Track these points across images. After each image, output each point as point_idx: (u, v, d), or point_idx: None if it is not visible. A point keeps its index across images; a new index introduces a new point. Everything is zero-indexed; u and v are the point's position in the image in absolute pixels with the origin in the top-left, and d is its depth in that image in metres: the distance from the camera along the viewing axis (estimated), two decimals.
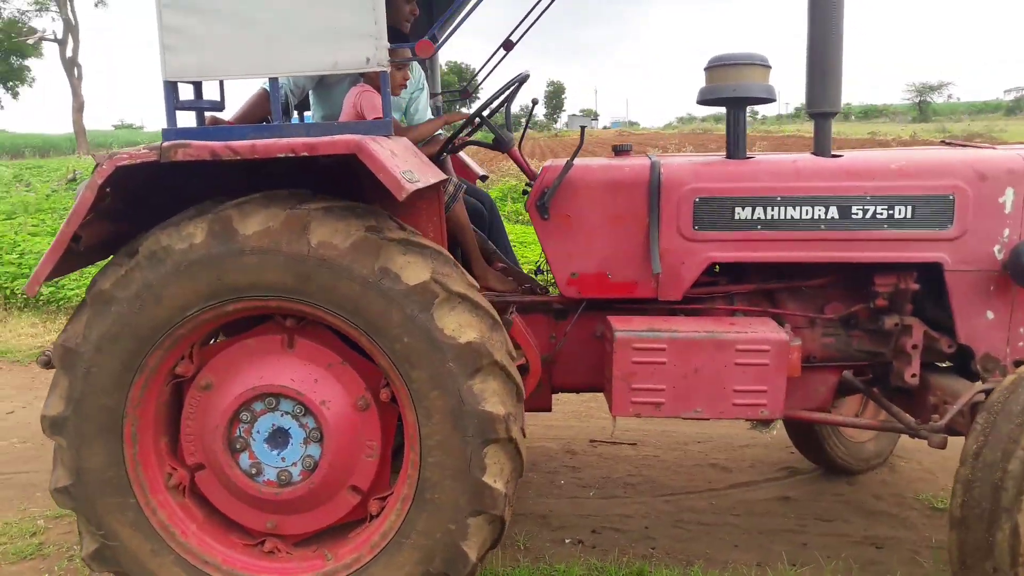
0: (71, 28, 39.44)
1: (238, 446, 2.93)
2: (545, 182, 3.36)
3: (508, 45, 4.34)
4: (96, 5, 41.72)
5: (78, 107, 38.92)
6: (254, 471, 2.94)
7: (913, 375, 3.30)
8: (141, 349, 2.81)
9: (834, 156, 3.34)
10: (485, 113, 3.58)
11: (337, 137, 2.60)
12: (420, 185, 2.68)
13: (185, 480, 3.09)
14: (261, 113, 3.61)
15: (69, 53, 39.29)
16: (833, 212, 3.21)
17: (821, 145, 3.35)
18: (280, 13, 2.78)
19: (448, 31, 2.95)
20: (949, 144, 3.79)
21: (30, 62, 44.40)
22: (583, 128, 3.69)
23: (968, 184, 3.15)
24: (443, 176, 3.10)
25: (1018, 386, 2.73)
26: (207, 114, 3.34)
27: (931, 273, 3.25)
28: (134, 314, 2.76)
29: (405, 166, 2.70)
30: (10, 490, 4.69)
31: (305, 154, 2.57)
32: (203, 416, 2.98)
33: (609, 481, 4.67)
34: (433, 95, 4.70)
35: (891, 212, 3.18)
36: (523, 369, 3.44)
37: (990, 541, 2.60)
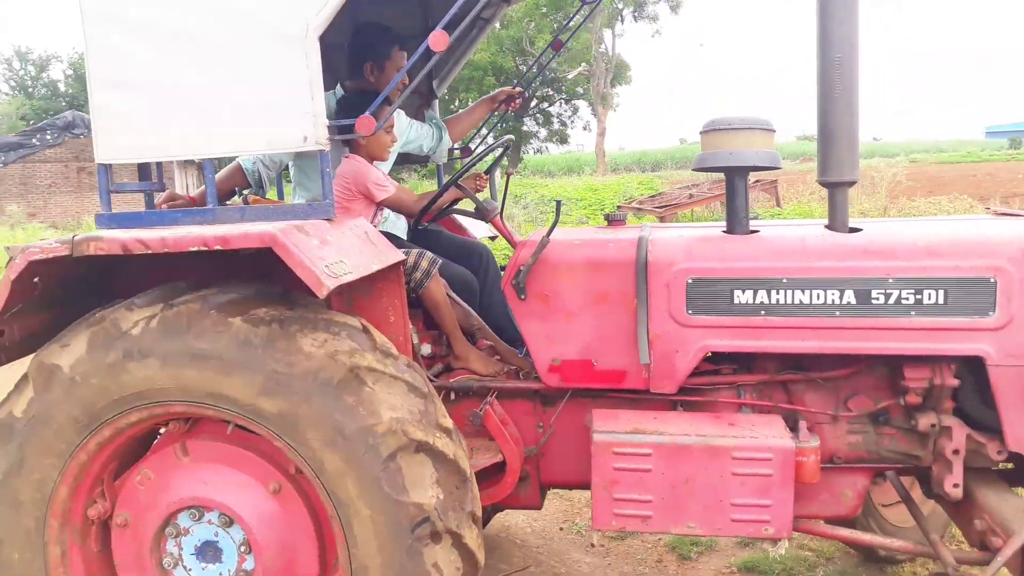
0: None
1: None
2: (521, 259, 3.02)
3: (557, 45, 4.28)
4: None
5: (600, 132, 43.33)
6: None
7: (955, 485, 2.79)
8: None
9: (852, 230, 2.89)
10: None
11: (251, 229, 2.34)
12: (350, 278, 2.40)
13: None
14: (230, 187, 3.40)
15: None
16: (849, 297, 2.75)
17: (835, 219, 2.90)
18: (213, 90, 2.56)
19: (391, 108, 2.70)
20: (1001, 215, 3.25)
21: None
22: (559, 203, 3.32)
23: (1014, 265, 2.64)
24: (398, 258, 2.81)
25: None
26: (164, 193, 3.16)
27: (973, 367, 2.76)
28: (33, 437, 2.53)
29: (336, 256, 2.42)
30: None
31: (218, 248, 2.33)
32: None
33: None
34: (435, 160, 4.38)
35: (919, 297, 2.69)
36: (500, 466, 3.10)
37: None
